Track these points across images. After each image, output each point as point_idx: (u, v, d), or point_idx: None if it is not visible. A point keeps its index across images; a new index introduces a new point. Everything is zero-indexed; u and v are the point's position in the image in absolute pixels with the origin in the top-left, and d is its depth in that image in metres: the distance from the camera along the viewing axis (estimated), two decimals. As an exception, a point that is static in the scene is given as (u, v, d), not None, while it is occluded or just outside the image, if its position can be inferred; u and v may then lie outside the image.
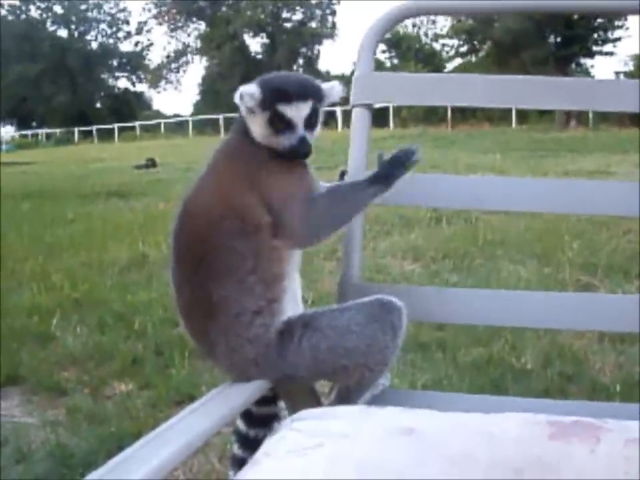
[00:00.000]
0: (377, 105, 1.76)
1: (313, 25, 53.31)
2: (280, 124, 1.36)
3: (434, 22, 48.42)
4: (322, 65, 52.25)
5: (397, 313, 1.40)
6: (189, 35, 54.86)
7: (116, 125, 42.85)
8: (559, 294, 1.68)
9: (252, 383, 1.35)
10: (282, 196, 1.37)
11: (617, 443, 1.03)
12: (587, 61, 38.56)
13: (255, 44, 55.81)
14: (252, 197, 1.35)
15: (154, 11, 54.79)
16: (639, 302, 1.52)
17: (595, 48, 36.37)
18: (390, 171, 1.43)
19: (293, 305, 1.43)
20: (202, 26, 54.10)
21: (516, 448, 1.03)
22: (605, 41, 36.17)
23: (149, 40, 68.71)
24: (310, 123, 1.38)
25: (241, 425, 1.52)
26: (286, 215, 1.36)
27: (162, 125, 43.60)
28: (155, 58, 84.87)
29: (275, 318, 1.36)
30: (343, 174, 1.65)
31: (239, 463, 1.43)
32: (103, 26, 60.97)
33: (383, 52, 46.49)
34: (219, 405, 1.25)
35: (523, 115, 28.87)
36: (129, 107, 57.94)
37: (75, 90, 56.42)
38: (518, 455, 1.01)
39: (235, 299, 1.32)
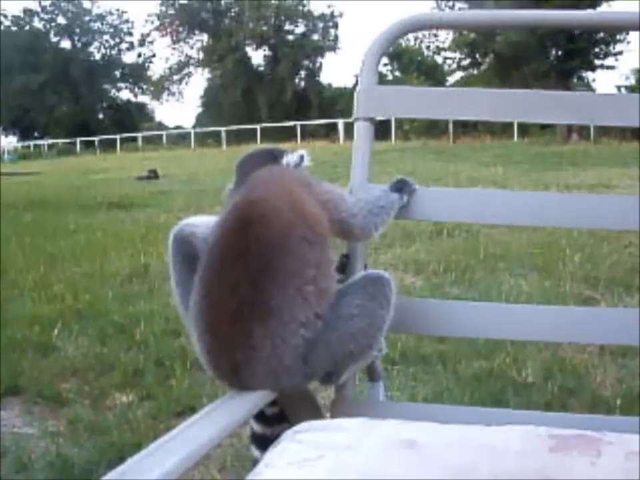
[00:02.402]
0: (379, 118, 1.77)
1: (315, 37, 53.43)
2: None
3: (436, 35, 48.51)
4: (324, 78, 52.38)
5: (387, 284, 1.44)
6: (191, 47, 55.02)
7: (118, 136, 42.90)
8: (560, 307, 1.68)
9: (255, 393, 1.35)
10: (335, 197, 1.49)
11: (617, 456, 1.03)
12: (588, 75, 38.57)
13: (257, 56, 55.97)
14: (317, 206, 1.39)
15: (157, 23, 54.93)
16: (640, 316, 1.53)
17: (596, 62, 36.38)
18: (403, 186, 1.64)
19: None
20: (204, 38, 54.25)
21: (517, 460, 1.03)
22: (607, 55, 36.17)
23: (151, 51, 68.98)
24: None
25: (256, 427, 1.52)
26: (344, 211, 1.49)
27: (164, 137, 43.69)
28: (157, 69, 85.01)
29: (314, 332, 1.36)
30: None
31: None
32: (106, 37, 61.16)
33: (385, 64, 46.60)
34: (221, 416, 1.24)
35: (525, 129, 28.89)
36: (131, 118, 58.03)
37: (77, 101, 56.55)
38: (519, 468, 1.01)
39: (290, 306, 1.31)
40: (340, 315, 1.38)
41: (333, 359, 1.38)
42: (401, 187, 1.64)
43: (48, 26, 59.44)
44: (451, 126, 29.83)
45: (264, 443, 1.44)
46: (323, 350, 1.35)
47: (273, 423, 1.50)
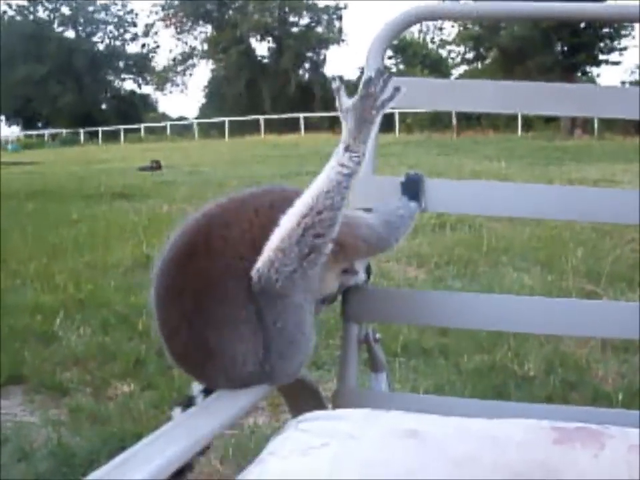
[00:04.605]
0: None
1: (320, 29, 53.36)
2: None
3: (441, 28, 48.58)
4: (328, 70, 52.20)
5: None
6: (195, 38, 55.01)
7: (121, 127, 42.89)
8: (562, 300, 1.67)
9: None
10: (351, 219, 1.37)
11: (620, 449, 1.03)
12: (593, 70, 38.53)
13: (261, 48, 56.02)
14: None
15: (161, 14, 54.89)
16: (642, 309, 1.52)
17: (601, 56, 36.33)
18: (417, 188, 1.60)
19: None
20: (209, 29, 54.23)
21: (520, 452, 1.03)
22: (612, 50, 36.13)
23: (155, 42, 69.06)
24: None
25: None
26: (363, 229, 1.40)
27: (167, 127, 43.68)
28: (161, 60, 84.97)
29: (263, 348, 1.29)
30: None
31: None
32: (110, 28, 61.07)
33: (390, 58, 46.51)
34: (223, 406, 1.25)
35: (528, 123, 28.87)
36: (135, 109, 57.99)
37: (80, 91, 56.47)
38: (522, 460, 1.01)
39: (233, 347, 1.27)
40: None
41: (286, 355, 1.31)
42: (415, 190, 1.59)
43: (52, 16, 59.39)
44: (454, 119, 29.79)
45: None
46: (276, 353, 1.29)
47: None
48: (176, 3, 53.34)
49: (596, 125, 27.02)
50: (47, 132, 49.26)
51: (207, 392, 1.34)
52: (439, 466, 1.01)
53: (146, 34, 59.80)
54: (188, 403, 1.37)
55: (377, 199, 1.67)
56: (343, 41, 53.65)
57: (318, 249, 1.20)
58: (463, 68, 42.88)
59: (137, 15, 75.24)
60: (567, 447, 1.04)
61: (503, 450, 1.04)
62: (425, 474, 0.99)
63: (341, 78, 1.24)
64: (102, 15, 60.99)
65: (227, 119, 37.34)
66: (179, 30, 54.16)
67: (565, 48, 35.12)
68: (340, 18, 53.28)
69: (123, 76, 62.79)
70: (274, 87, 49.53)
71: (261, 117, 36.48)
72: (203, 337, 1.25)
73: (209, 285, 1.23)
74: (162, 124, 45.64)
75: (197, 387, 1.40)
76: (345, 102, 1.23)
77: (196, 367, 1.31)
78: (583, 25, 30.98)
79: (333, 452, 1.06)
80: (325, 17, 53.26)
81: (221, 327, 1.24)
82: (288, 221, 1.20)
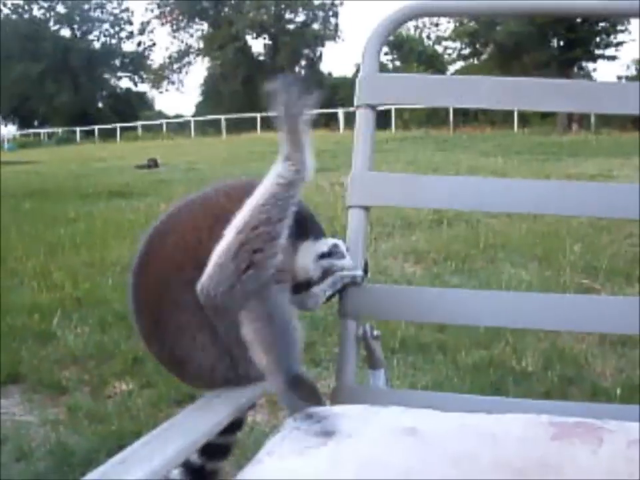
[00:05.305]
0: (380, 107, 1.76)
1: (316, 26, 53.33)
2: None
3: (437, 25, 48.45)
4: (324, 67, 52.27)
5: None
6: (191, 36, 54.94)
7: (118, 125, 42.85)
8: (559, 295, 1.68)
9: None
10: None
11: (619, 444, 1.03)
12: (589, 65, 38.55)
13: (257, 45, 55.94)
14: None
15: (157, 12, 54.85)
16: (640, 304, 1.52)
17: (597, 52, 36.36)
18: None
19: None
20: (204, 27, 54.17)
21: (519, 448, 1.03)
22: (608, 45, 36.15)
23: (151, 40, 69.06)
24: None
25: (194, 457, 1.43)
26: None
27: (164, 126, 43.62)
28: (157, 58, 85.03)
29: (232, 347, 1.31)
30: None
31: None
32: (105, 26, 61.05)
33: (385, 54, 46.49)
34: (221, 404, 1.25)
35: (525, 119, 28.88)
36: (131, 107, 57.95)
37: (77, 89, 56.42)
38: (521, 456, 1.01)
39: (195, 355, 1.30)
40: None
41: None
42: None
43: (48, 14, 59.34)
44: (451, 115, 29.78)
45: (187, 468, 1.39)
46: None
47: (206, 453, 1.41)
48: (171, 0, 53.27)
49: (592, 120, 27.02)
50: (43, 131, 49.21)
51: None
52: (438, 464, 1.01)
53: (142, 32, 59.82)
54: None
55: (374, 195, 1.67)
56: (338, 37, 53.72)
57: (257, 264, 1.18)
58: (459, 64, 42.88)
59: (132, 13, 75.41)
60: (565, 443, 1.04)
61: (502, 447, 1.04)
62: (424, 473, 0.99)
63: (282, 77, 1.20)
64: (97, 13, 61.01)
65: (223, 117, 37.31)
66: (174, 28, 54.13)
67: (561, 43, 35.14)
68: (336, 15, 53.32)
69: (119, 74, 62.80)
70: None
71: (258, 115, 36.42)
72: (168, 345, 1.27)
73: (166, 295, 1.24)
74: (158, 122, 45.56)
75: None
76: (274, 111, 1.19)
77: (174, 371, 1.34)
78: (579, 20, 30.96)
79: (331, 452, 1.05)
80: (321, 13, 53.24)
81: (181, 336, 1.25)
82: (227, 235, 1.19)
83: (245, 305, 1.20)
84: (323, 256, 1.36)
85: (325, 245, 1.36)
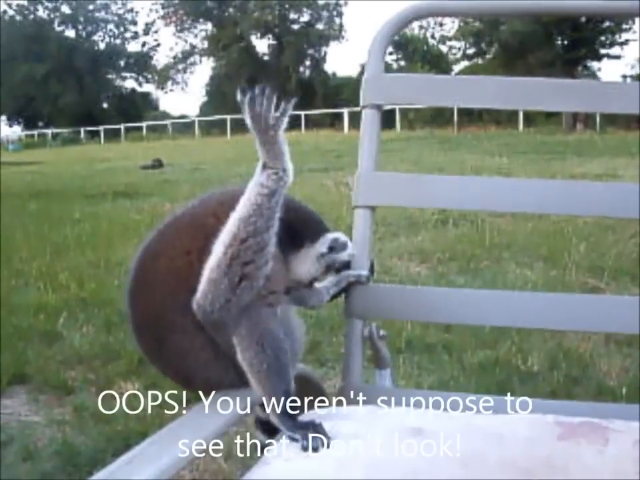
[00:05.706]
0: (385, 107, 1.76)
1: (320, 26, 53.25)
2: None
3: (441, 24, 48.27)
4: (328, 67, 52.23)
5: None
6: (196, 36, 54.89)
7: (123, 126, 42.91)
8: (565, 295, 1.68)
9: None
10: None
11: (625, 444, 1.03)
12: (594, 64, 38.43)
13: (261, 45, 55.89)
14: None
15: (161, 12, 54.78)
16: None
17: (602, 51, 36.24)
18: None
19: None
20: (209, 27, 54.11)
21: (525, 448, 1.03)
22: (612, 44, 36.03)
23: (156, 41, 68.72)
24: None
25: (261, 412, 1.47)
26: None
27: (169, 126, 43.64)
28: (161, 59, 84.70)
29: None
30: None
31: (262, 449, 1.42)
32: (110, 26, 61.05)
33: (390, 54, 46.39)
34: (229, 404, 1.25)
35: (530, 118, 28.84)
36: (136, 108, 57.95)
37: (81, 90, 56.44)
38: (527, 455, 1.01)
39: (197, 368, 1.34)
40: None
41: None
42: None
43: (52, 15, 59.35)
44: (455, 115, 29.75)
45: (269, 427, 1.41)
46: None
47: None
48: (176, 1, 53.21)
49: (598, 120, 26.96)
50: (48, 131, 49.23)
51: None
52: (444, 464, 1.01)
53: (146, 32, 59.83)
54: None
55: (380, 195, 1.67)
56: (343, 37, 53.60)
57: (249, 276, 1.18)
58: (464, 64, 42.76)
59: (137, 13, 75.26)
60: (571, 443, 1.04)
61: (508, 446, 1.04)
62: (431, 473, 0.99)
63: (249, 88, 1.20)
64: (102, 14, 60.99)
65: (228, 117, 37.28)
66: (179, 28, 54.08)
67: (566, 42, 35.02)
68: (340, 15, 53.19)
69: (123, 75, 62.79)
70: (275, 84, 49.51)
71: (262, 115, 36.35)
72: (173, 365, 1.31)
73: (163, 319, 1.27)
74: (163, 122, 45.59)
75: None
76: (248, 119, 1.19)
77: (180, 385, 1.38)
78: (583, 19, 30.90)
79: (337, 453, 1.06)
80: (325, 13, 53.16)
81: (184, 356, 1.28)
82: (217, 251, 1.19)
83: (236, 329, 1.21)
84: (323, 255, 1.36)
85: (323, 244, 1.34)
